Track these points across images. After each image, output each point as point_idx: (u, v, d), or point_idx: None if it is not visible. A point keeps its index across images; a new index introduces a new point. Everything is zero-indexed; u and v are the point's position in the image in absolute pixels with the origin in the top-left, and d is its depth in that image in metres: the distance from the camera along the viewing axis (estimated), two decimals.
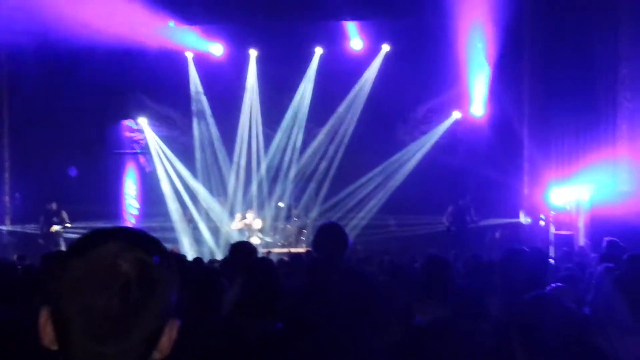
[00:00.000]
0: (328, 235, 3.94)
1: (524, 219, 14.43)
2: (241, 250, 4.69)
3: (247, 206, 15.85)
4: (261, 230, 15.23)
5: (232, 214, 15.95)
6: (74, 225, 14.40)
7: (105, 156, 15.95)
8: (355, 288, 3.79)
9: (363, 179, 15.99)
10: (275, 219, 16.24)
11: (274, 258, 9.87)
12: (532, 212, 14.29)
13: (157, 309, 1.21)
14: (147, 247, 1.23)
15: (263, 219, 15.56)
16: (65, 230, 14.28)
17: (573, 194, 12.88)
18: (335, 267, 3.90)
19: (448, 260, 4.23)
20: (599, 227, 10.37)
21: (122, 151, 16.36)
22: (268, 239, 15.50)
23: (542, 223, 13.78)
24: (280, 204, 16.22)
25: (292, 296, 3.77)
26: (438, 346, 3.56)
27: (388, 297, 4.37)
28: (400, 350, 3.55)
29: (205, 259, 9.03)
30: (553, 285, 3.91)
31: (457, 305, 3.85)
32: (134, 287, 1.17)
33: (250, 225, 14.88)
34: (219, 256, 12.76)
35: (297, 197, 16.52)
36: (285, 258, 9.75)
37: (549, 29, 13.98)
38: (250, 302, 3.54)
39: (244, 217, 15.06)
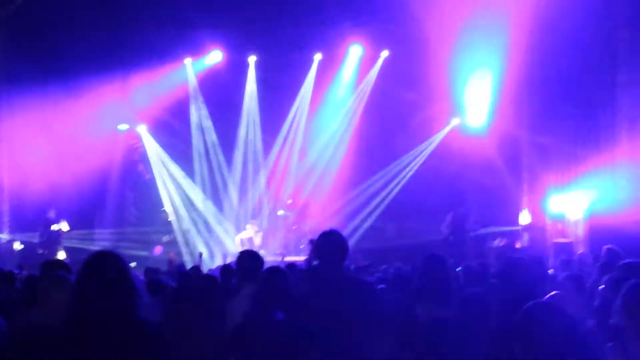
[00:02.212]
0: (328, 243, 3.94)
1: (522, 227, 14.39)
2: (248, 260, 4.70)
3: (245, 214, 15.80)
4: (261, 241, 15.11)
5: (230, 219, 15.96)
6: (73, 233, 14.37)
7: (104, 163, 15.88)
8: (355, 295, 3.79)
9: (362, 186, 15.97)
10: (275, 226, 16.19)
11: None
12: (532, 220, 14.25)
13: None
14: None
15: (262, 227, 15.50)
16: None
17: (572, 201, 12.87)
18: (335, 274, 3.89)
19: (445, 261, 4.22)
20: (598, 235, 10.36)
21: (121, 158, 16.29)
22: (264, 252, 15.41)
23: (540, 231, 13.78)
24: (280, 212, 16.18)
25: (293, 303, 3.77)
26: (438, 348, 3.56)
27: (388, 305, 4.36)
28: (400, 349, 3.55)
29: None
30: (552, 293, 3.90)
31: (458, 312, 3.84)
32: None
33: (252, 240, 14.71)
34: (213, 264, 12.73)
35: (296, 204, 16.47)
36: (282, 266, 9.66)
37: (547, 35, 13.98)
38: (263, 313, 3.54)
39: (245, 230, 14.94)
